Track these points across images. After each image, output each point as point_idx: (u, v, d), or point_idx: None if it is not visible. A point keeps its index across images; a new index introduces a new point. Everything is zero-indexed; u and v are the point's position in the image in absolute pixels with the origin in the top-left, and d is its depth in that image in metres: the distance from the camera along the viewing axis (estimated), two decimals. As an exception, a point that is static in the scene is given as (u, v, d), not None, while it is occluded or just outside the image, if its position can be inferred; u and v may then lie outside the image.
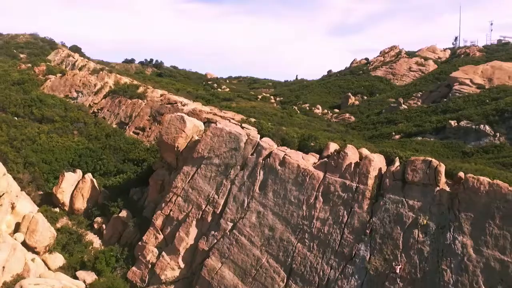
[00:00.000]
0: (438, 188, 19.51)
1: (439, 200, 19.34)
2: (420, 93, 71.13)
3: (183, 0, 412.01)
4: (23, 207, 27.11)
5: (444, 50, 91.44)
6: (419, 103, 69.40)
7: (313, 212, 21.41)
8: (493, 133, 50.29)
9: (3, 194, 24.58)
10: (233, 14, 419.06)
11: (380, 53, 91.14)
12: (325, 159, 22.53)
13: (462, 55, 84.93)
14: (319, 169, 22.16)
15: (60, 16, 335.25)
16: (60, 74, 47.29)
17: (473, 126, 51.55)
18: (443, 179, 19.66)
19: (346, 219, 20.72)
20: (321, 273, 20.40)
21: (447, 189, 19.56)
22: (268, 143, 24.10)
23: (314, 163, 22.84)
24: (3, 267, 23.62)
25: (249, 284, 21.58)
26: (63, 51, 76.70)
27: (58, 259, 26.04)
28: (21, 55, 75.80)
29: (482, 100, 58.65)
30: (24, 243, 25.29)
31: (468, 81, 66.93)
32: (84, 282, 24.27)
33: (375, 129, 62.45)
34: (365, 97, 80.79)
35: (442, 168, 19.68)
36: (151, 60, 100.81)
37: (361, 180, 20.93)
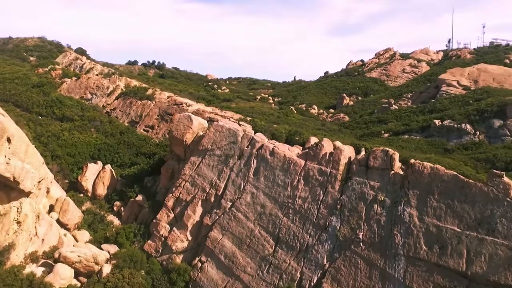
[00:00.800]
0: (392, 172, 25.51)
1: (393, 181, 25.34)
2: (410, 94, 76.98)
3: (183, 0, 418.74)
4: (55, 192, 33.20)
5: (437, 52, 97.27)
6: (409, 104, 75.27)
7: (296, 192, 27.41)
8: (473, 131, 55.93)
9: (41, 180, 30.51)
10: (233, 14, 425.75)
11: (375, 55, 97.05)
12: (306, 150, 28.54)
13: (454, 57, 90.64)
14: (301, 158, 28.19)
15: (60, 16, 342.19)
16: (75, 78, 53.41)
17: (455, 125, 57.24)
18: (397, 164, 25.64)
19: (321, 197, 26.71)
20: (301, 240, 26.37)
21: (400, 172, 25.54)
22: (260, 137, 30.15)
23: (298, 153, 28.85)
24: (43, 239, 29.76)
25: (244, 250, 27.56)
26: (70, 54, 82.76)
27: (85, 235, 32.12)
28: (31, 58, 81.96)
29: (466, 101, 64.35)
30: (57, 221, 31.39)
31: (455, 83, 72.76)
32: (108, 252, 30.22)
33: (367, 128, 68.22)
34: (360, 98, 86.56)
35: (396, 156, 25.67)
36: (154, 61, 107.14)
37: (334, 166, 26.93)
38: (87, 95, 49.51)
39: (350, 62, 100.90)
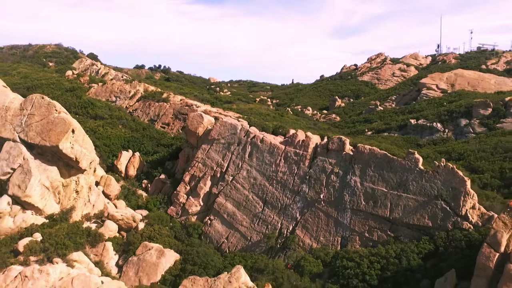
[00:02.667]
0: (344, 152, 39.01)
1: (345, 158, 38.83)
2: (395, 96, 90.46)
3: (185, 1, 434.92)
4: (99, 171, 46.86)
5: (426, 57, 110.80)
6: (393, 105, 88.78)
7: (278, 168, 40.96)
8: (443, 129, 69.25)
9: (92, 161, 44.12)
10: (234, 16, 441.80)
11: (368, 59, 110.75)
12: (286, 138, 42.16)
13: (440, 62, 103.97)
14: (282, 144, 41.81)
15: (61, 18, 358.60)
16: (101, 83, 67.37)
17: (428, 124, 70.51)
18: (347, 147, 39.16)
19: (296, 171, 40.23)
20: (282, 201, 39.87)
21: (350, 152, 39.02)
22: (253, 130, 43.81)
23: (280, 141, 42.47)
24: (93, 205, 43.25)
25: (241, 210, 41.06)
26: (86, 60, 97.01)
27: (122, 204, 45.67)
28: (50, 64, 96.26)
29: (441, 103, 77.78)
30: (103, 192, 44.94)
31: (434, 86, 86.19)
32: (141, 215, 43.75)
33: (354, 127, 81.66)
34: (351, 100, 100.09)
35: (347, 141, 39.20)
36: (160, 65, 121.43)
37: (305, 149, 40.48)
38: (112, 98, 63.35)
39: (344, 66, 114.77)
